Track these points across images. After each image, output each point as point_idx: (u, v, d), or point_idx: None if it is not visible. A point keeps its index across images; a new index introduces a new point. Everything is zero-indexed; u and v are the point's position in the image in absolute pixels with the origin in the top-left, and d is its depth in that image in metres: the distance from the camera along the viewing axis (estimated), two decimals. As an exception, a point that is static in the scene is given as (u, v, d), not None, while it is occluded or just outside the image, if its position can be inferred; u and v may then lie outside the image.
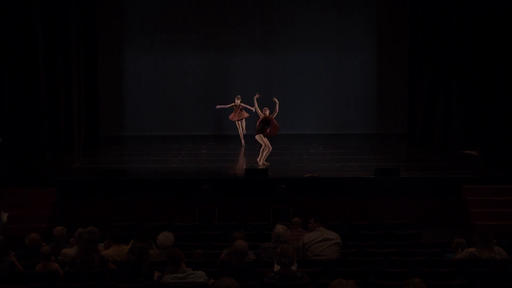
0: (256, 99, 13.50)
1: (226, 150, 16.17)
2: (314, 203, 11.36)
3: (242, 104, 15.88)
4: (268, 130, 12.91)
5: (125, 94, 19.72)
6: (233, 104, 16.02)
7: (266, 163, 13.09)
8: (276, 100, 13.37)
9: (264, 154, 13.03)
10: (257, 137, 12.97)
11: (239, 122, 16.16)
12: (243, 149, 15.92)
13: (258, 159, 13.08)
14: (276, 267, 6.13)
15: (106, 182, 11.69)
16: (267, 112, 13.05)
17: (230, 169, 13.12)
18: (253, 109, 13.97)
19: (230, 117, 16.30)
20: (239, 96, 16.07)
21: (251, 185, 11.70)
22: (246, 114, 15.95)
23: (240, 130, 16.26)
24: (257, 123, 13.02)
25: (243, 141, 16.22)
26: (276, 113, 13.24)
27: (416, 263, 7.05)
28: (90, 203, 11.51)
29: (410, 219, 10.16)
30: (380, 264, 7.05)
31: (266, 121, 12.91)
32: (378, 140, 18.25)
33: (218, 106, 16.41)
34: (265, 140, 12.91)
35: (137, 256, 6.06)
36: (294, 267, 6.13)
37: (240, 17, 19.60)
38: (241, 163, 14.34)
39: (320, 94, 19.81)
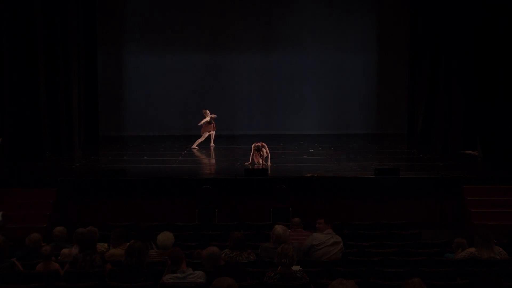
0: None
1: (226, 150, 16.17)
2: (314, 203, 11.35)
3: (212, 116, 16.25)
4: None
5: (125, 94, 19.72)
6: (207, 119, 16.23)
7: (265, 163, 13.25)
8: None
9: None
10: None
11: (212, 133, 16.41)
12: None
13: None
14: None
15: (106, 182, 11.68)
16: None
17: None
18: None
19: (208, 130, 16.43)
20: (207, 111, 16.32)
21: (251, 185, 11.69)
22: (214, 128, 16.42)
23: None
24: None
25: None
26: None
27: (416, 263, 7.04)
28: (90, 203, 11.50)
29: (410, 219, 10.15)
30: (380, 264, 7.04)
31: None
32: (378, 140, 18.24)
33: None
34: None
35: (137, 256, 6.06)
36: (298, 268, 6.13)
37: (240, 18, 19.60)
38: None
39: (320, 94, 19.81)
